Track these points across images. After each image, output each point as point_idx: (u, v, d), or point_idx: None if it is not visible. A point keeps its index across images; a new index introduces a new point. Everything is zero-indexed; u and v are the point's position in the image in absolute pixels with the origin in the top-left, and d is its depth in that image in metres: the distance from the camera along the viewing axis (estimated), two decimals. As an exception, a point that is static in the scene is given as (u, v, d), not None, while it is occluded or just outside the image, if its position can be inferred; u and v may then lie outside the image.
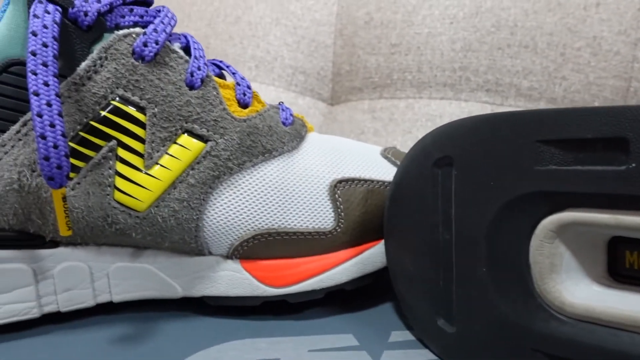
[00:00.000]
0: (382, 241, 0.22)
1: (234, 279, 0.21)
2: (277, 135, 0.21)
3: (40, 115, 0.15)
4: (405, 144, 0.50)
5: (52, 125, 0.15)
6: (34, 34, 0.15)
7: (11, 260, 0.19)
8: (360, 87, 0.55)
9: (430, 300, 0.19)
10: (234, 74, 0.21)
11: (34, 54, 0.15)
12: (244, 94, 0.20)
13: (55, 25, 0.16)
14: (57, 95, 0.16)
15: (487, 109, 0.51)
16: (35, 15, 0.15)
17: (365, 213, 0.22)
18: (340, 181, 0.22)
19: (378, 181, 0.22)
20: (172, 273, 0.21)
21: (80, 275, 0.20)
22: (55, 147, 0.15)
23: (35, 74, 0.15)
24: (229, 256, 0.21)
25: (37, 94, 0.15)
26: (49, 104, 0.15)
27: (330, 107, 0.56)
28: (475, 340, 0.18)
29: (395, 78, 0.53)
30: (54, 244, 0.19)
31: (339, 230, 0.21)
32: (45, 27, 0.15)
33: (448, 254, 0.18)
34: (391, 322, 0.22)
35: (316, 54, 0.55)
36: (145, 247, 0.20)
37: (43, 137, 0.15)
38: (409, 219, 0.20)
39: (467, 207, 0.18)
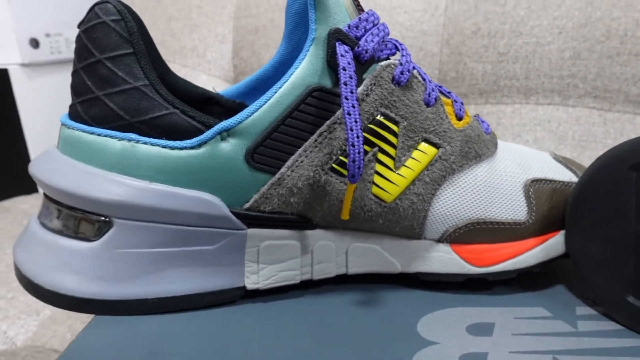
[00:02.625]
0: (563, 231, 0.26)
1: (444, 259, 0.26)
2: (484, 143, 0.26)
3: (352, 130, 0.20)
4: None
5: (358, 137, 0.21)
6: (344, 69, 0.21)
7: (289, 238, 0.24)
8: (465, 93, 0.59)
9: (619, 281, 0.23)
10: (449, 92, 0.26)
11: (345, 84, 0.21)
12: (460, 110, 0.25)
13: (353, 62, 0.21)
14: (359, 115, 0.21)
15: (595, 114, 0.54)
16: (341, 55, 0.21)
17: (550, 208, 0.26)
18: (533, 180, 0.26)
19: (560, 181, 0.27)
20: (393, 253, 0.26)
21: (328, 252, 0.25)
22: (359, 153, 0.21)
23: (347, 99, 0.20)
24: (440, 240, 0.26)
25: (349, 114, 0.20)
26: (356, 121, 0.20)
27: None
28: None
29: (502, 85, 0.57)
30: (315, 226, 0.25)
31: (530, 221, 0.26)
32: (349, 63, 0.21)
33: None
34: (573, 300, 0.26)
35: (423, 62, 0.59)
36: (377, 231, 0.25)
37: (353, 145, 0.20)
38: (595, 213, 0.24)
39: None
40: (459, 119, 0.26)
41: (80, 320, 0.48)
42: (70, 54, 0.89)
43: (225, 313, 0.24)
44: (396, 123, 0.24)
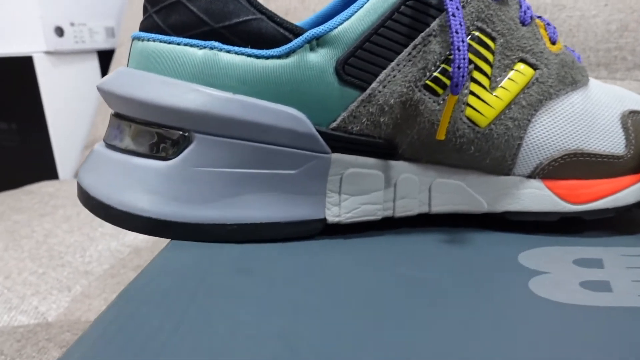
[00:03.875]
0: (661, 169, 0.25)
1: (536, 196, 0.24)
2: (578, 70, 0.24)
3: (457, 32, 0.19)
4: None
5: (463, 41, 0.19)
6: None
7: (373, 167, 0.22)
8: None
9: None
10: (539, 16, 0.24)
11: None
12: (554, 33, 0.23)
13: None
14: (463, 18, 0.19)
15: (646, 87, 0.52)
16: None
17: (649, 142, 0.24)
18: (631, 112, 0.24)
19: (657, 116, 0.25)
20: (480, 190, 0.24)
21: (412, 186, 0.23)
22: (464, 59, 0.19)
23: (454, 16, 0.19)
24: (532, 176, 0.24)
25: (454, 16, 0.19)
26: (461, 24, 0.19)
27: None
28: None
29: (545, 60, 0.55)
30: (399, 157, 0.23)
31: (628, 155, 0.24)
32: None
33: None
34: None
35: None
36: (463, 165, 0.24)
37: (458, 49, 0.19)
38: None
39: None
40: (553, 42, 0.24)
41: (116, 293, 0.46)
42: (94, 45, 0.89)
43: (307, 246, 0.22)
44: (493, 39, 0.22)
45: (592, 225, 0.25)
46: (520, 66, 0.23)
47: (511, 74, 0.22)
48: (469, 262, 0.21)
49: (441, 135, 0.21)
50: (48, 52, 0.83)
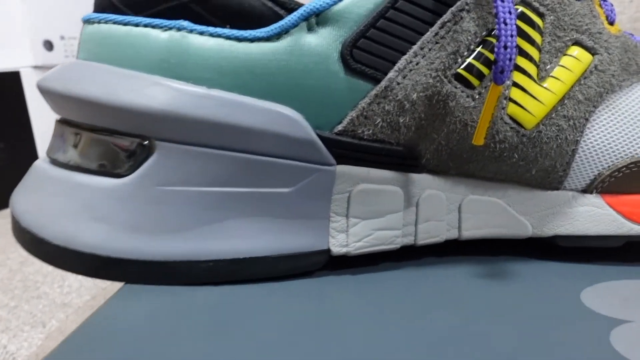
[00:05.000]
0: None
1: (594, 215, 0.19)
2: None
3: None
4: None
5: (510, 13, 0.14)
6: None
7: (390, 182, 0.18)
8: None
9: None
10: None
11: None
12: (611, 11, 0.19)
13: None
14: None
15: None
16: None
17: None
18: None
19: None
20: (522, 209, 0.19)
21: (438, 206, 0.19)
22: (512, 36, 0.14)
23: None
24: (588, 190, 0.19)
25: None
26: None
27: None
28: None
29: None
30: (423, 168, 0.18)
31: None
32: None
33: None
34: None
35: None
36: (502, 177, 0.19)
37: (505, 23, 0.14)
38: None
39: None
40: (611, 22, 0.19)
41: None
42: (85, 59, 0.86)
43: (304, 286, 0.17)
44: (541, 16, 0.17)
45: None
46: (575, 50, 0.18)
47: (564, 60, 0.18)
48: (519, 306, 0.16)
49: (479, 140, 0.16)
50: (36, 67, 0.80)
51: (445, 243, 0.20)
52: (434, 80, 0.16)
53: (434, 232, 0.19)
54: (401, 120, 0.16)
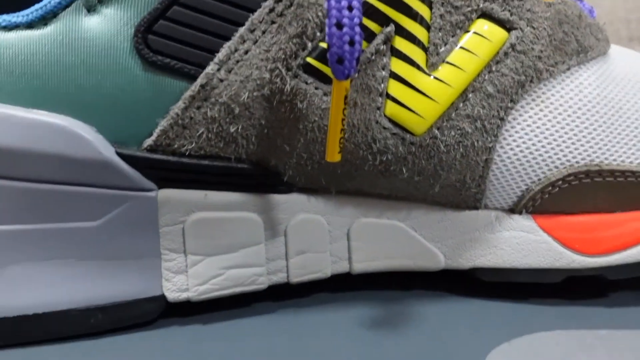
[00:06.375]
0: None
1: (524, 243, 0.15)
2: (590, 29, 0.15)
3: None
4: None
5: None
6: None
7: (241, 207, 0.14)
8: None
9: None
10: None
11: None
12: (544, -30, 0.14)
13: None
14: None
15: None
16: None
17: None
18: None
19: None
20: (431, 234, 0.15)
21: (316, 233, 0.15)
22: (350, 9, 0.10)
23: None
24: (515, 209, 0.15)
25: None
26: None
27: None
28: None
29: None
30: (289, 187, 0.14)
31: (681, 171, 0.15)
32: None
33: None
34: None
35: None
36: (400, 195, 0.15)
37: (336, -9, 0.10)
38: None
39: None
40: None
41: None
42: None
43: (136, 343, 0.13)
44: None
45: (620, 287, 0.16)
46: (483, 25, 0.13)
47: (466, 39, 0.13)
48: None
49: (332, 156, 0.12)
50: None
51: (332, 277, 0.16)
52: (272, 75, 0.12)
53: (313, 266, 0.15)
54: (232, 130, 0.12)
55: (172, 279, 0.14)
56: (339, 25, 0.10)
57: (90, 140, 0.12)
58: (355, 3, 0.10)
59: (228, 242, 0.14)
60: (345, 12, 0.10)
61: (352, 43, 0.10)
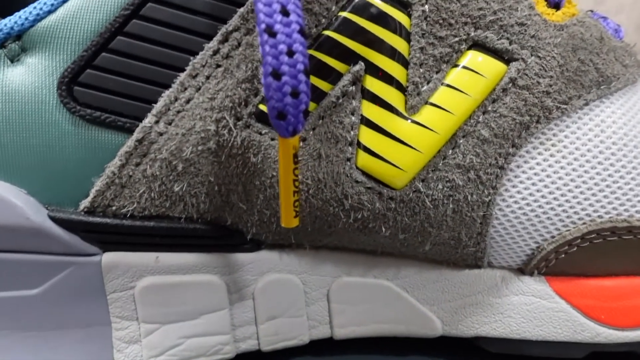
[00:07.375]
0: None
1: (536, 310, 0.12)
2: (615, 53, 0.12)
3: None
4: None
5: (286, 14, 0.08)
6: None
7: (199, 270, 0.12)
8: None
9: None
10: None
11: None
12: (555, -16, 0.12)
13: None
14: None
15: None
16: None
17: None
18: None
19: None
20: (426, 296, 0.13)
21: (290, 296, 0.13)
22: (291, 54, 0.08)
23: None
24: (525, 270, 0.13)
25: None
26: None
27: None
28: None
29: None
30: (256, 245, 0.13)
31: None
32: None
33: None
34: None
35: None
36: (386, 252, 0.13)
37: (272, 33, 0.08)
38: None
39: None
40: (555, 5, 0.12)
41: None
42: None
43: None
44: (405, 6, 0.11)
45: None
46: (476, 57, 0.11)
47: (453, 75, 0.11)
48: None
49: (288, 221, 0.10)
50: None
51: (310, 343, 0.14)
52: (219, 126, 0.10)
53: (288, 332, 0.13)
54: (177, 188, 0.11)
55: (124, 350, 0.12)
56: (276, 75, 0.08)
57: (18, 205, 0.10)
58: (297, 46, 0.08)
59: (186, 308, 0.12)
60: (284, 58, 0.08)
61: (295, 94, 0.08)
